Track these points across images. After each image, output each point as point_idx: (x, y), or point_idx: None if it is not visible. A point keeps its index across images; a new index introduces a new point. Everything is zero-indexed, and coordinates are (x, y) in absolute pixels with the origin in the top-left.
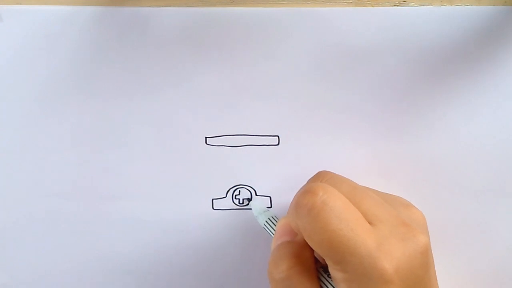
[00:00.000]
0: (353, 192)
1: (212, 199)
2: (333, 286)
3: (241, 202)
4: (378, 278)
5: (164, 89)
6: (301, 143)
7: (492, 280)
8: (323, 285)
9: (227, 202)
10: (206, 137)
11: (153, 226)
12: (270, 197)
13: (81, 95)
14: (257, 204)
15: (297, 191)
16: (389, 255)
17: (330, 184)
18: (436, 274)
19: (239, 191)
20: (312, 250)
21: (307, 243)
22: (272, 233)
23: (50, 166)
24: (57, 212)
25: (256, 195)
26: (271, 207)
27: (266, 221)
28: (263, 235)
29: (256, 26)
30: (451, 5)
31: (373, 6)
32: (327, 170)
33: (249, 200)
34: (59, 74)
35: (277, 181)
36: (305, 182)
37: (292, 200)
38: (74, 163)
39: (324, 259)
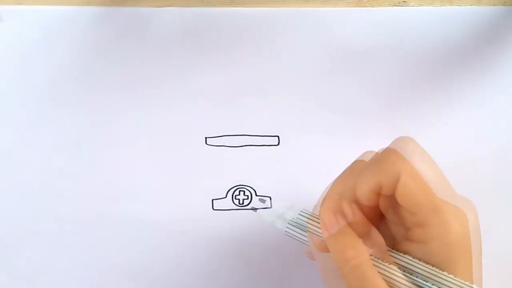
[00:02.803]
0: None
1: (212, 200)
2: (405, 262)
3: (241, 202)
4: (464, 204)
5: (164, 89)
6: (301, 143)
7: (492, 280)
8: (398, 261)
9: (227, 203)
10: (206, 137)
11: (153, 226)
12: (270, 197)
13: (81, 95)
14: (279, 203)
15: (297, 191)
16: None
17: None
18: None
19: (239, 191)
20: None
21: (368, 222)
22: (298, 236)
23: (50, 166)
24: (57, 212)
25: (256, 195)
26: (271, 207)
27: (289, 223)
28: (263, 235)
29: (256, 26)
30: (451, 5)
31: (373, 6)
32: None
33: (253, 205)
34: (59, 74)
35: (277, 181)
36: (305, 182)
37: (372, 158)
38: (74, 163)
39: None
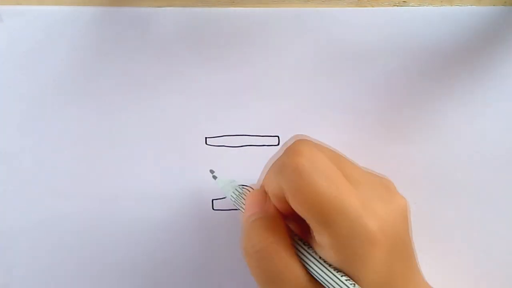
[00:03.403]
0: (334, 157)
1: (212, 200)
2: (313, 257)
3: None
4: (365, 237)
5: (164, 89)
6: None
7: (492, 279)
8: (301, 255)
9: (227, 203)
10: (206, 137)
11: (153, 226)
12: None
13: (81, 95)
14: (223, 176)
15: None
16: (374, 214)
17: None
18: (437, 273)
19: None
20: (284, 221)
21: (278, 213)
22: (238, 204)
23: (50, 166)
24: (57, 212)
25: None
26: None
27: (233, 192)
28: None
29: (256, 26)
30: (451, 5)
31: (373, 7)
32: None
33: (213, 172)
34: (59, 74)
35: None
36: None
37: (274, 163)
38: (75, 163)
39: (297, 227)
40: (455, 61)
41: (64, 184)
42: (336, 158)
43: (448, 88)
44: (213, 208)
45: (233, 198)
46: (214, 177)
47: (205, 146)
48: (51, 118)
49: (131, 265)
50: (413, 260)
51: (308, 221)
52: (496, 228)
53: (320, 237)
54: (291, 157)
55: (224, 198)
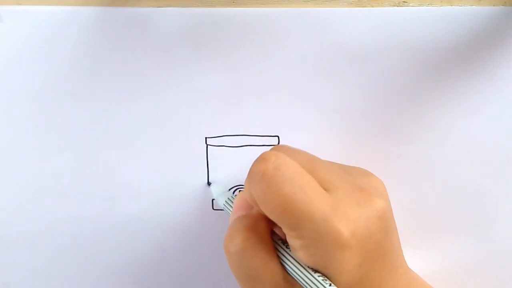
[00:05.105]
0: (309, 162)
1: (212, 200)
2: (291, 256)
3: None
4: (334, 242)
5: (164, 89)
6: (301, 143)
7: (493, 278)
8: (281, 255)
9: None
10: (206, 137)
11: (153, 226)
12: None
13: (80, 95)
14: (217, 186)
15: None
16: (345, 218)
17: (286, 154)
18: (437, 272)
19: (239, 191)
20: (267, 222)
21: (262, 215)
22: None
23: (50, 166)
24: (57, 212)
25: None
26: None
27: (226, 201)
28: None
29: (256, 26)
30: (451, 6)
31: (373, 7)
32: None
33: (209, 184)
34: (59, 74)
35: None
36: None
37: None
38: (74, 163)
39: (281, 229)
40: (455, 61)
41: (64, 185)
42: (311, 163)
43: (448, 88)
44: (213, 208)
45: (226, 206)
46: (209, 184)
47: (205, 146)
48: (51, 118)
49: (131, 265)
50: (390, 260)
51: (279, 225)
52: (496, 227)
53: (292, 240)
54: (257, 164)
55: None
